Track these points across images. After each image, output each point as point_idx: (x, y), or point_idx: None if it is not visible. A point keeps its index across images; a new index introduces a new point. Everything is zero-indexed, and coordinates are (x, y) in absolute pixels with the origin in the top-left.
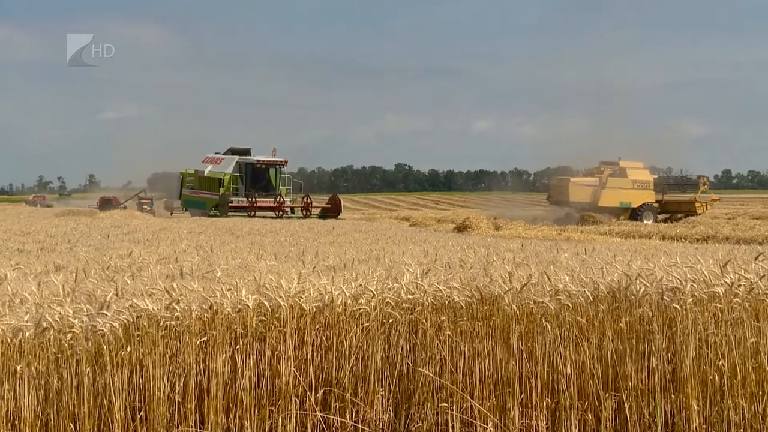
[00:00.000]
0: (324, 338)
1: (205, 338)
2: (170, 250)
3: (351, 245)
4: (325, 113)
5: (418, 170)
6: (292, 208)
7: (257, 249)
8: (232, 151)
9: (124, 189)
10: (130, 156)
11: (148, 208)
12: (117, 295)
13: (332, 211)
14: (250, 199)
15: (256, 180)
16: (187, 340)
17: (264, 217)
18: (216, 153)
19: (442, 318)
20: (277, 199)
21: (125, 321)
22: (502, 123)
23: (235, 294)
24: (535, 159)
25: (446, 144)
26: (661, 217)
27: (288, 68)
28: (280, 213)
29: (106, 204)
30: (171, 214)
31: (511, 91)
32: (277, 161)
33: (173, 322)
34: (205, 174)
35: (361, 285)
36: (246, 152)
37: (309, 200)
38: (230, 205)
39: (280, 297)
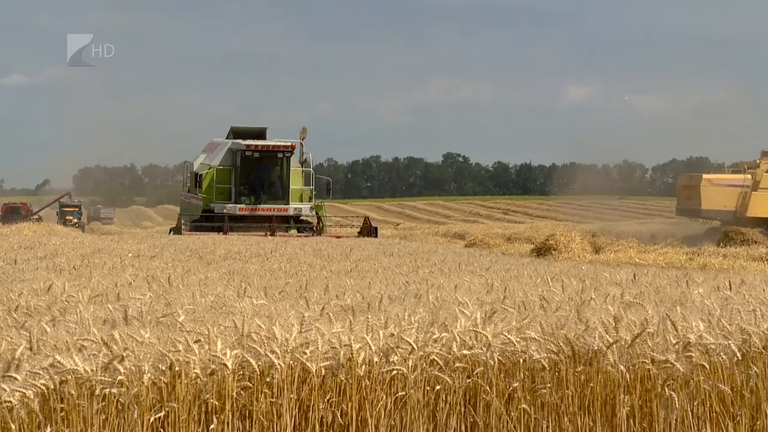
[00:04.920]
0: (338, 414)
1: (162, 413)
2: (109, 283)
3: (378, 275)
4: (337, 78)
5: (478, 163)
6: (297, 222)
7: (238, 281)
8: (234, 134)
9: (39, 192)
10: (48, 142)
11: (75, 220)
12: (31, 349)
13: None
14: (223, 208)
15: (255, 176)
16: (136, 416)
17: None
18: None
19: (515, 384)
20: (281, 206)
21: (43, 388)
22: (607, 92)
23: (207, 348)
24: (656, 147)
25: (521, 124)
26: None
27: (280, 10)
28: (272, 229)
29: (11, 213)
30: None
31: (623, 45)
32: (279, 146)
33: (114, 390)
34: (195, 168)
35: (393, 335)
36: (257, 134)
37: (320, 223)
38: (196, 219)
39: (272, 353)
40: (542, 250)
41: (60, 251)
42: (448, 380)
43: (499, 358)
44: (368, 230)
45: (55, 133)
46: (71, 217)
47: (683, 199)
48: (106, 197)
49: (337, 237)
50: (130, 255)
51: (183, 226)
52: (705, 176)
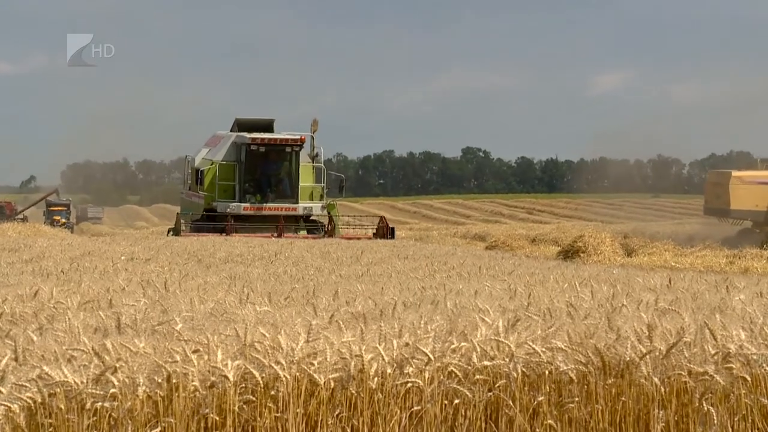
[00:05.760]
0: (349, 429)
1: (158, 429)
2: (100, 288)
3: (391, 280)
4: (347, 65)
5: (500, 158)
6: (307, 222)
7: (240, 286)
8: (239, 126)
9: (24, 190)
10: (34, 136)
11: (63, 220)
12: (16, 360)
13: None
14: (227, 207)
15: (261, 172)
16: (130, 431)
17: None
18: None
19: (540, 398)
20: (289, 204)
21: (30, 401)
22: (641, 81)
23: (206, 359)
24: (695, 140)
25: (546, 115)
26: None
27: None
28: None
29: None
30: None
31: (660, 29)
32: (288, 139)
33: (107, 404)
34: (196, 164)
35: (408, 344)
36: (264, 127)
37: (332, 224)
38: (195, 219)
39: (277, 363)
40: (570, 253)
41: (47, 254)
42: (468, 394)
43: (523, 369)
44: (384, 231)
45: (41, 125)
46: (59, 217)
47: (712, 197)
48: (96, 195)
49: (351, 239)
50: (123, 258)
51: (183, 227)
52: (734, 173)
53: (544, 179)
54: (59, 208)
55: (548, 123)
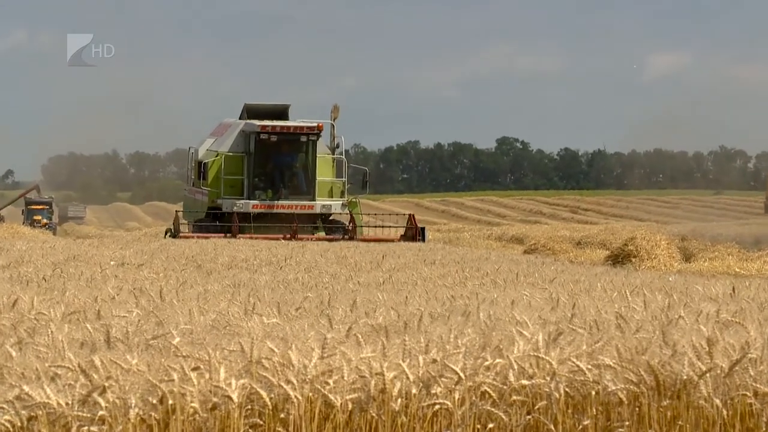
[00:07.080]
0: None
1: None
2: (87, 298)
3: (416, 288)
4: (367, 45)
5: (540, 150)
6: (325, 222)
7: (245, 295)
8: (248, 113)
9: (0, 186)
10: (12, 124)
11: (45, 220)
12: None
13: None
14: (233, 204)
15: (273, 165)
16: None
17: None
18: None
19: (585, 422)
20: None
21: (8, 425)
22: (701, 62)
23: (207, 377)
24: (762, 129)
25: (593, 102)
26: None
27: None
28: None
29: None
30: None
31: (723, 2)
32: (303, 128)
33: (95, 428)
34: (199, 156)
35: (435, 361)
36: (277, 114)
37: (353, 224)
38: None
39: (287, 383)
40: (619, 258)
41: (27, 258)
42: (503, 417)
43: (566, 389)
44: (414, 232)
45: (20, 112)
46: (40, 217)
47: None
48: (82, 192)
49: (370, 240)
50: (112, 263)
51: (187, 228)
52: None
53: (591, 174)
54: (40, 207)
55: (595, 110)
